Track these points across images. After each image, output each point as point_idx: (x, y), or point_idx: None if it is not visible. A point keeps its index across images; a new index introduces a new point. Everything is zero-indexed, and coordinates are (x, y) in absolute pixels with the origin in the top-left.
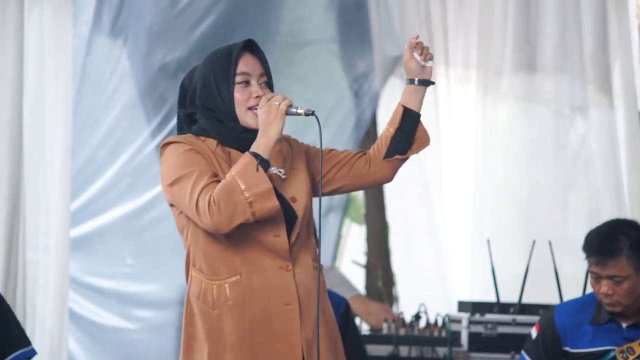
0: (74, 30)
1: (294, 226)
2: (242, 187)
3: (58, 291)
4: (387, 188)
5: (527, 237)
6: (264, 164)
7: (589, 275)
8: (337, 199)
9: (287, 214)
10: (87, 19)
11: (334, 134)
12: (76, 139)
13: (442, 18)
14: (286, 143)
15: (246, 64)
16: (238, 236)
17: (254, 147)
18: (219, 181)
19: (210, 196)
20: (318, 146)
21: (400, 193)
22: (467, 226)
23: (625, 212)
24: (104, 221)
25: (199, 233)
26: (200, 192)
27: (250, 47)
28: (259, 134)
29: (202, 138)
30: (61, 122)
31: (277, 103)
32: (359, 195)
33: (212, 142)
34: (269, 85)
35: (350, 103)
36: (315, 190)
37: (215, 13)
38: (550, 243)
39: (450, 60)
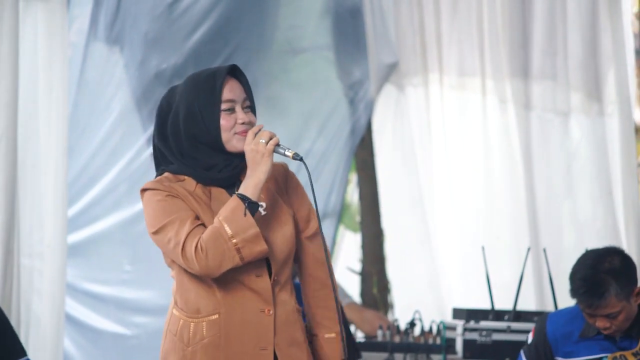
0: (69, 38)
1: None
2: (230, 233)
3: (54, 297)
4: (382, 196)
5: (521, 245)
6: (252, 206)
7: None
8: (332, 206)
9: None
10: (82, 27)
11: (330, 142)
12: (72, 146)
13: (436, 26)
14: (281, 171)
15: (231, 90)
16: (221, 276)
17: (242, 189)
18: (202, 224)
19: (197, 243)
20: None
21: (395, 200)
22: (462, 233)
23: (619, 220)
24: (101, 228)
25: (183, 274)
26: (186, 239)
27: (233, 71)
28: (247, 174)
29: (182, 177)
30: (57, 129)
31: (263, 141)
32: (354, 202)
33: (190, 182)
34: (252, 109)
35: (346, 110)
36: (297, 228)
37: (210, 20)
38: (544, 250)
39: (444, 68)
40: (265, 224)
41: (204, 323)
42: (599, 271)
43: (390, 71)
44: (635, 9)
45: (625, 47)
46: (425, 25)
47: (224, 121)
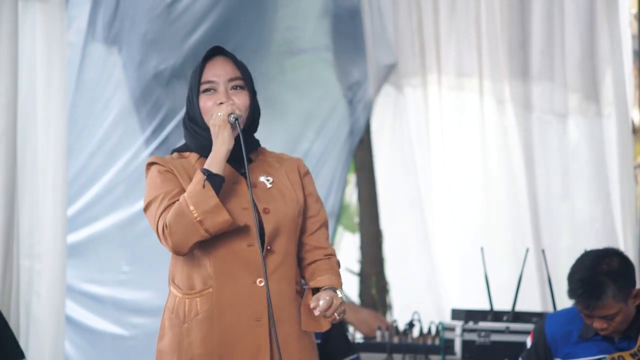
0: (68, 39)
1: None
2: (191, 207)
3: (54, 299)
4: (381, 196)
5: (520, 246)
6: (213, 179)
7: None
8: (330, 206)
9: (260, 225)
10: (81, 27)
11: (328, 142)
12: (71, 146)
13: (434, 26)
14: (300, 165)
15: (212, 71)
16: (213, 246)
17: (206, 163)
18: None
19: (165, 220)
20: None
21: (394, 201)
22: (460, 234)
23: (617, 221)
24: (99, 228)
25: None
26: (160, 216)
27: (221, 51)
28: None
29: (186, 154)
30: (56, 130)
31: (220, 113)
32: (352, 203)
33: (193, 157)
34: (246, 87)
35: (344, 111)
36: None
37: (209, 21)
38: (543, 251)
39: (442, 68)
40: (267, 195)
41: (197, 299)
42: (597, 273)
43: (389, 72)
44: (634, 10)
45: (622, 48)
46: (423, 26)
47: (202, 102)
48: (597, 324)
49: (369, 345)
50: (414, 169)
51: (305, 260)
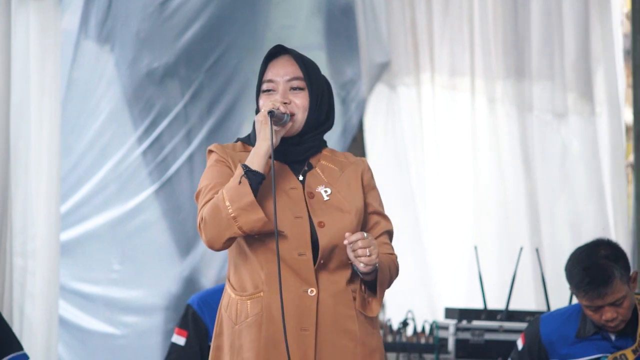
0: (61, 37)
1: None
2: (227, 202)
3: (46, 297)
4: None
5: (514, 244)
6: (251, 175)
7: (585, 309)
8: None
9: (314, 238)
10: (74, 25)
11: None
12: (63, 144)
13: (428, 25)
14: (365, 168)
15: (272, 71)
16: (263, 251)
17: (248, 159)
18: None
19: (202, 213)
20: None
21: (387, 200)
22: (454, 233)
23: (609, 219)
24: (90, 227)
25: (233, 249)
26: (201, 207)
27: (287, 51)
28: None
29: (249, 147)
30: (49, 128)
31: (263, 111)
32: None
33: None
34: (309, 88)
35: (338, 110)
36: (365, 221)
37: (202, 20)
38: (537, 250)
39: (436, 67)
40: (324, 207)
41: (248, 302)
42: (598, 258)
43: (382, 70)
44: (626, 9)
45: (614, 48)
46: (417, 25)
47: (261, 102)
48: (608, 315)
49: None
50: (407, 168)
51: None
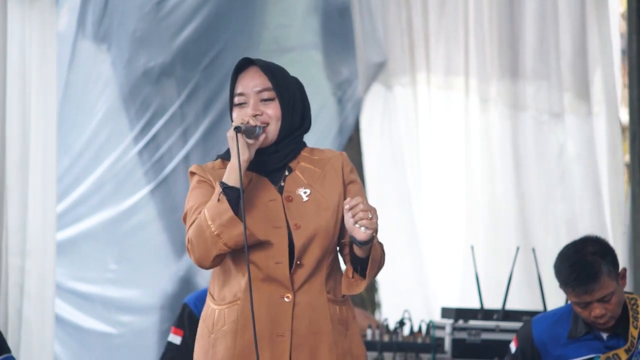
0: (58, 36)
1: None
2: (209, 221)
3: (43, 296)
4: (370, 195)
5: (510, 244)
6: (228, 192)
7: (574, 306)
8: None
9: (290, 241)
10: (71, 24)
11: (317, 141)
12: (59, 143)
13: (424, 25)
14: (344, 161)
15: (242, 83)
16: (244, 262)
17: (224, 176)
18: None
19: (188, 234)
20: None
21: (383, 199)
22: (450, 232)
23: (605, 220)
24: (86, 226)
25: None
26: (188, 229)
27: (254, 62)
28: None
29: (227, 162)
30: (45, 127)
31: (233, 125)
32: None
33: None
34: (279, 99)
35: (334, 109)
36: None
37: (198, 19)
38: (533, 250)
39: (432, 67)
40: (301, 209)
41: (226, 310)
42: (585, 254)
43: (379, 70)
44: (622, 9)
45: (611, 47)
46: (413, 25)
47: (234, 115)
48: (597, 311)
49: None
50: (403, 168)
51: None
